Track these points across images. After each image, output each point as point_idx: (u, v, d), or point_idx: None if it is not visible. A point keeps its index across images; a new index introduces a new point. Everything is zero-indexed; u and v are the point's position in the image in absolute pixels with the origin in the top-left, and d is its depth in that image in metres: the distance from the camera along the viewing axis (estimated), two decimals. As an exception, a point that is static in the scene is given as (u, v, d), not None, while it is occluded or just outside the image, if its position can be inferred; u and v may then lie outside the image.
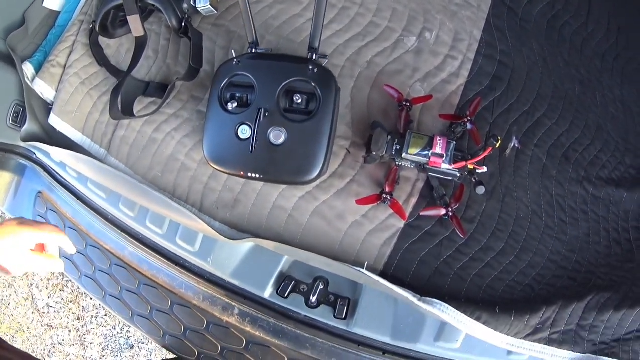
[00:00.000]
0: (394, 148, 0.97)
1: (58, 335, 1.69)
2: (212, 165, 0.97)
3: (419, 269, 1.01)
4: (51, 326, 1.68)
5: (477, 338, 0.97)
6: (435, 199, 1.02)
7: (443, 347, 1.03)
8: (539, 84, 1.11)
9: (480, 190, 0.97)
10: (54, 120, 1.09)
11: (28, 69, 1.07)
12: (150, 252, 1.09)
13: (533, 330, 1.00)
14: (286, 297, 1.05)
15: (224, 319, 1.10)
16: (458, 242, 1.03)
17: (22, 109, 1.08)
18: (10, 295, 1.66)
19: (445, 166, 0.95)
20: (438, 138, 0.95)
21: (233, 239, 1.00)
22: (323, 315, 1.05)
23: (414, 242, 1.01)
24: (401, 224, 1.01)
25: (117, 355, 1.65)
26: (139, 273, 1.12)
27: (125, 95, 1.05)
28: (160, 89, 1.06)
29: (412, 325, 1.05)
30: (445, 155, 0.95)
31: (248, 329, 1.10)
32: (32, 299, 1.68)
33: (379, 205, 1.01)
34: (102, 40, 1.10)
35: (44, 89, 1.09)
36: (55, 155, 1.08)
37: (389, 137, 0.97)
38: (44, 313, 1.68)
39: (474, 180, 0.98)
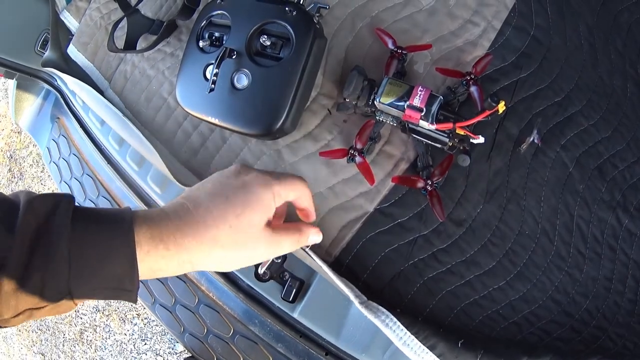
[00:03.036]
0: (371, 97, 0.56)
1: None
2: (180, 103, 0.63)
3: (380, 266, 0.58)
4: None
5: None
6: (418, 169, 0.59)
7: (393, 368, 0.59)
8: (580, 72, 0.62)
9: (463, 160, 0.53)
10: (71, 50, 0.82)
11: (60, 1, 0.82)
12: (129, 189, 0.77)
13: (507, 382, 0.54)
14: (236, 262, 0.67)
15: (182, 271, 0.76)
16: (436, 246, 0.58)
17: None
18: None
19: (424, 124, 0.52)
20: (420, 88, 0.52)
21: (187, 185, 0.66)
22: (269, 292, 0.66)
23: (382, 232, 0.59)
24: (371, 207, 0.59)
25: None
26: (120, 206, 0.81)
27: (131, 30, 0.75)
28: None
29: (363, 332, 0.62)
30: (425, 109, 0.52)
31: (203, 288, 0.74)
32: None
33: (348, 180, 0.60)
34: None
35: (69, 20, 0.83)
36: (66, 82, 0.81)
37: (366, 82, 0.56)
38: None
39: (461, 148, 0.54)
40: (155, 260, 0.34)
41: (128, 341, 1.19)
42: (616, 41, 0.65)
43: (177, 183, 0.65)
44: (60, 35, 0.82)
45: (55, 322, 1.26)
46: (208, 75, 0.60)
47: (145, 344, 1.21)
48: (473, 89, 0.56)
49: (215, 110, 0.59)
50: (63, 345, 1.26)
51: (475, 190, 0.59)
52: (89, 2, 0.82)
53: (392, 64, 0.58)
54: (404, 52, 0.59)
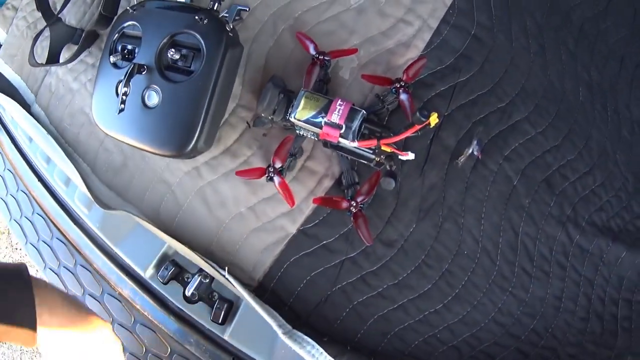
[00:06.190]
0: (289, 110, 0.52)
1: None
2: (95, 122, 0.60)
3: (306, 290, 0.55)
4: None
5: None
6: (343, 187, 0.55)
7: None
8: (527, 75, 0.57)
9: (388, 184, 0.49)
10: (-1, 62, 0.79)
11: (-15, 9, 0.79)
12: (60, 208, 0.75)
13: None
14: (165, 284, 0.65)
15: (117, 290, 0.74)
16: (365, 269, 0.55)
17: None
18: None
19: (345, 142, 0.49)
20: (339, 102, 0.49)
21: (109, 207, 0.63)
22: (198, 314, 0.64)
23: (306, 255, 0.55)
24: (293, 228, 0.56)
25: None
26: (55, 226, 0.79)
27: (54, 41, 0.71)
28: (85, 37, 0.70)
29: (295, 354, 0.59)
30: (344, 126, 0.48)
31: (137, 307, 0.72)
32: (9, 234, 1.41)
33: (269, 200, 0.57)
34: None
35: (-3, 31, 0.80)
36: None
37: (282, 95, 0.52)
38: (16, 249, 1.38)
39: (388, 168, 0.50)
40: None
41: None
42: (568, 41, 0.59)
43: (97, 205, 0.62)
44: (-11, 46, 0.79)
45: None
46: (119, 92, 0.57)
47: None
48: (403, 97, 0.52)
49: (127, 129, 0.56)
50: (20, 358, 1.27)
51: (407, 208, 0.55)
52: (16, 11, 0.78)
53: (314, 71, 0.54)
54: (326, 58, 0.54)
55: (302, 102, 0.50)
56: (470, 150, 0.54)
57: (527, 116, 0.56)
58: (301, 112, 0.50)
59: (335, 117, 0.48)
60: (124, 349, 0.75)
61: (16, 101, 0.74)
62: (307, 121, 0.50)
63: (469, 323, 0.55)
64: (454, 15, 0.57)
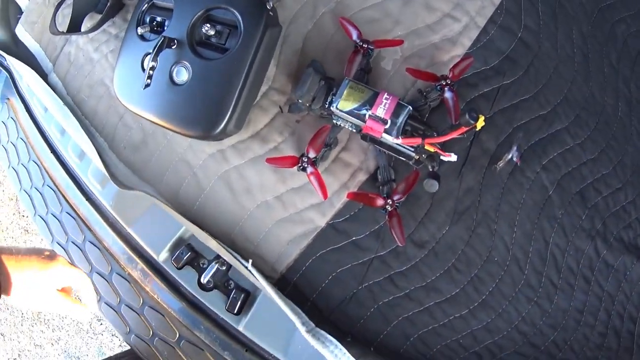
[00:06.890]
0: (328, 99, 0.48)
1: (31, 241, 1.37)
2: (117, 96, 0.55)
3: (331, 286, 0.52)
4: (27, 231, 1.37)
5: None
6: (378, 184, 0.51)
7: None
8: (570, 84, 0.54)
9: (431, 186, 0.46)
10: (19, 29, 0.75)
11: (7, -28, 0.73)
12: (70, 180, 0.70)
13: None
14: (179, 268, 0.61)
15: (127, 271, 0.69)
16: (394, 269, 0.52)
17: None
18: (-3, 193, 1.37)
19: (388, 138, 0.45)
20: (385, 95, 0.45)
21: (126, 186, 0.59)
22: (213, 302, 0.60)
23: (334, 250, 0.52)
24: (322, 222, 0.52)
25: (83, 271, 1.30)
26: (65, 199, 0.74)
27: (77, 8, 0.66)
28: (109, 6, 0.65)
29: (313, 350, 0.57)
30: (390, 121, 0.44)
31: (147, 289, 0.68)
32: (16, 200, 1.38)
33: (299, 190, 0.53)
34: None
35: (19, -3, 0.74)
36: (12, 64, 0.72)
37: (322, 82, 0.48)
38: (23, 217, 1.38)
39: (430, 169, 0.47)
40: None
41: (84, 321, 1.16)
42: (611, 54, 0.57)
43: (112, 182, 0.58)
44: (11, 13, 0.73)
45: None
46: (146, 67, 0.52)
47: (102, 324, 1.18)
48: (448, 95, 0.49)
49: (151, 106, 0.52)
50: (22, 325, 1.23)
51: (442, 209, 0.52)
52: (38, -25, 0.72)
53: (355, 59, 0.50)
54: (370, 47, 0.50)
55: (346, 91, 0.46)
56: (510, 156, 0.51)
57: (567, 126, 0.53)
58: (344, 103, 0.46)
59: (380, 111, 0.45)
60: (130, 330, 0.71)
61: (33, 69, 0.68)
62: (350, 112, 0.46)
63: (492, 330, 0.53)
64: (501, 15, 0.54)
